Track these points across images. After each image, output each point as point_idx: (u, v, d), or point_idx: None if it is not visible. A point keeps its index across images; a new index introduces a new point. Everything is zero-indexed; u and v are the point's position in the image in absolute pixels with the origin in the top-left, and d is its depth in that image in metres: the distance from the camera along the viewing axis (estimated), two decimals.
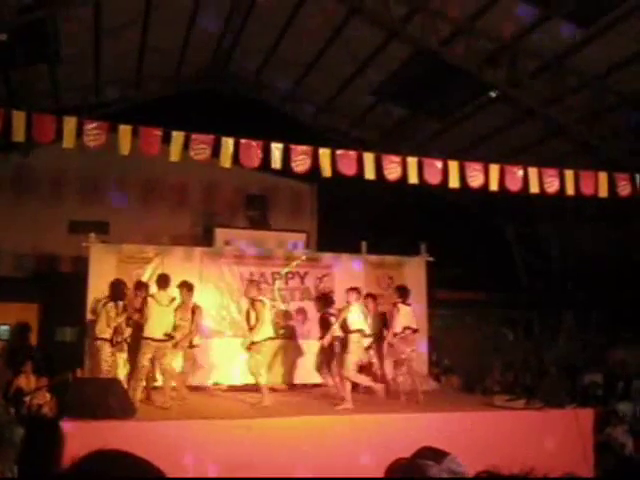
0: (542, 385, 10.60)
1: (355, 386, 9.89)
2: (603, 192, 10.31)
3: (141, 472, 1.46)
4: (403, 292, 10.65)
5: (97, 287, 11.44)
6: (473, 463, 1.98)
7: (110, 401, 7.62)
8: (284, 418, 8.42)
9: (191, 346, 10.45)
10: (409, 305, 10.65)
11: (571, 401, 9.73)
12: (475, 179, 9.98)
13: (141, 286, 10.39)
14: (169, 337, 9.34)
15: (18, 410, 9.83)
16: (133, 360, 9.55)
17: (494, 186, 10.06)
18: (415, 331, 10.65)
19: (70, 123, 8.33)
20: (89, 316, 11.14)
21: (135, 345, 9.55)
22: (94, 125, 8.53)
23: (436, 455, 1.99)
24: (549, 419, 8.91)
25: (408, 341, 10.42)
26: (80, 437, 6.93)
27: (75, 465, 1.44)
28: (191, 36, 14.44)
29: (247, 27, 14.45)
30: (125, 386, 8.76)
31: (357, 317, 9.81)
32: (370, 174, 9.53)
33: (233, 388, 11.40)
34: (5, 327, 15.64)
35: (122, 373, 9.53)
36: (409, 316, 10.53)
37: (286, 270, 12.55)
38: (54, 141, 8.55)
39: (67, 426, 7.16)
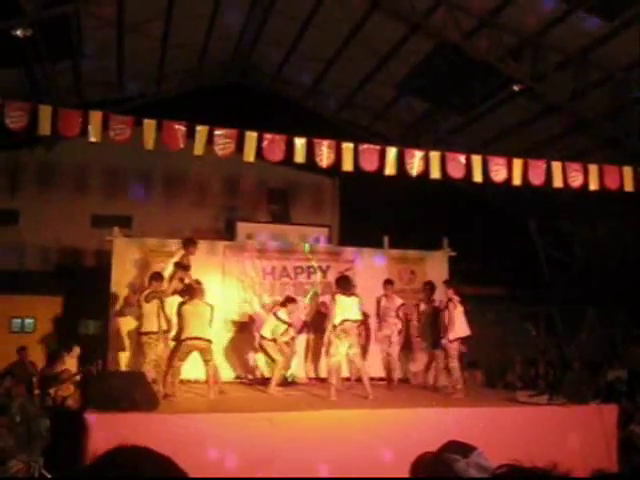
0: (565, 381, 10.52)
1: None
2: (629, 186, 10.22)
3: (160, 468, 1.46)
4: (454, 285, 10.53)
5: (120, 281, 11.56)
6: (496, 458, 1.98)
7: (134, 393, 7.67)
8: (306, 411, 8.44)
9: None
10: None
11: (594, 397, 9.66)
12: (498, 173, 9.94)
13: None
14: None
15: (43, 401, 9.96)
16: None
17: (517, 180, 10.01)
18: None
19: (96, 117, 8.40)
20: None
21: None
22: (119, 119, 8.59)
23: (463, 449, 1.99)
24: (573, 415, 8.84)
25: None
26: (104, 429, 6.99)
27: (96, 462, 1.45)
28: (213, 31, 14.46)
29: (269, 21, 14.44)
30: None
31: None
32: (393, 169, 9.52)
33: (256, 381, 11.45)
34: (30, 320, 15.81)
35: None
36: (465, 322, 10.37)
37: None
38: (79, 135, 8.63)
39: (91, 418, 7.21)
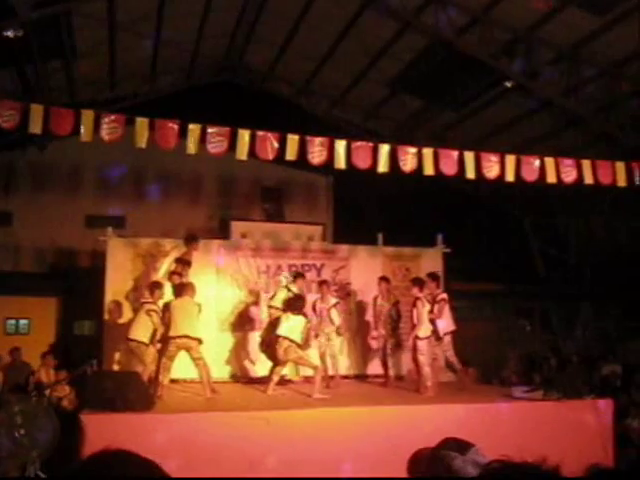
0: (562, 376, 10.53)
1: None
2: (621, 181, 10.24)
3: (143, 471, 1.46)
4: (421, 283, 10.47)
5: (114, 281, 11.54)
6: (492, 454, 1.98)
7: (129, 394, 7.66)
8: (302, 410, 8.42)
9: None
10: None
11: (589, 392, 9.67)
12: (491, 170, 9.93)
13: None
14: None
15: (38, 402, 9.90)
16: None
17: (510, 177, 10.01)
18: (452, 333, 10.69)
19: (88, 116, 8.37)
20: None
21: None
22: (111, 118, 8.57)
23: (460, 446, 1.99)
24: (568, 410, 8.85)
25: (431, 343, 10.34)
26: (100, 429, 6.99)
27: (79, 465, 1.45)
28: (205, 29, 14.43)
29: (261, 19, 14.44)
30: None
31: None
32: (386, 166, 9.51)
33: (251, 381, 11.43)
34: (25, 321, 15.76)
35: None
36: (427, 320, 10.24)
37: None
38: (71, 135, 8.61)
39: (87, 419, 7.20)
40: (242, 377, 11.76)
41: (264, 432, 7.59)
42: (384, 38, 13.77)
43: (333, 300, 11.13)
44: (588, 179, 10.16)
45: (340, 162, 9.32)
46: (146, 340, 9.41)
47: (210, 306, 11.57)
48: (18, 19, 11.26)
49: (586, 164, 10.18)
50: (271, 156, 9.17)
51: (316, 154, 9.20)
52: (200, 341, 9.39)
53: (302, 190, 19.22)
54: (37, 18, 11.58)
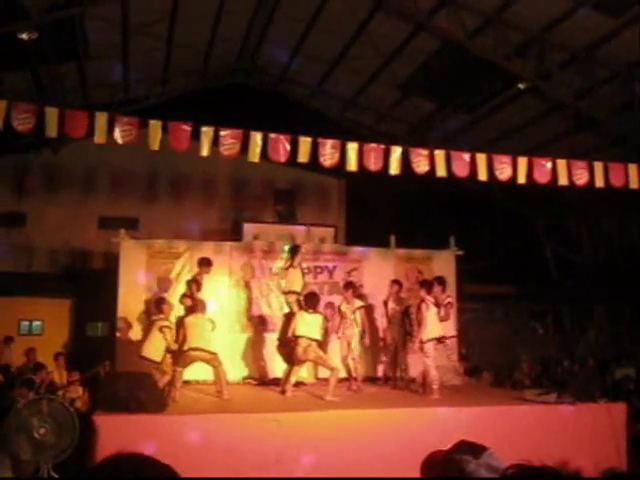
0: (575, 379, 10.47)
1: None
2: (634, 184, 10.18)
3: (156, 475, 1.46)
4: (429, 286, 10.43)
5: (127, 282, 11.57)
6: (504, 457, 1.97)
7: (141, 395, 7.67)
8: (314, 412, 8.42)
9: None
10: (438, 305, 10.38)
11: (602, 395, 9.62)
12: (503, 172, 9.90)
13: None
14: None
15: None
16: None
17: (522, 179, 9.97)
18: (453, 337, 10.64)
19: (102, 119, 8.40)
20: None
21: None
22: (125, 120, 8.60)
23: (474, 450, 1.97)
24: (581, 413, 8.81)
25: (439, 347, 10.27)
26: (113, 431, 7.00)
27: (94, 468, 1.46)
28: (218, 31, 14.48)
29: (274, 22, 14.46)
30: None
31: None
32: (397, 169, 9.51)
33: (265, 382, 11.43)
34: (38, 322, 15.84)
35: None
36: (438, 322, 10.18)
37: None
38: (85, 137, 8.64)
39: (100, 420, 7.22)
40: (256, 378, 11.76)
41: (275, 434, 7.60)
42: (396, 40, 13.76)
43: (358, 303, 11.10)
44: (600, 182, 10.11)
45: (352, 164, 9.32)
46: (158, 359, 9.40)
47: (222, 308, 11.62)
48: (32, 21, 11.34)
49: (598, 166, 10.12)
50: (283, 158, 9.17)
51: (328, 156, 9.21)
52: (216, 354, 9.52)
53: (314, 192, 19.24)
54: (51, 20, 11.66)
